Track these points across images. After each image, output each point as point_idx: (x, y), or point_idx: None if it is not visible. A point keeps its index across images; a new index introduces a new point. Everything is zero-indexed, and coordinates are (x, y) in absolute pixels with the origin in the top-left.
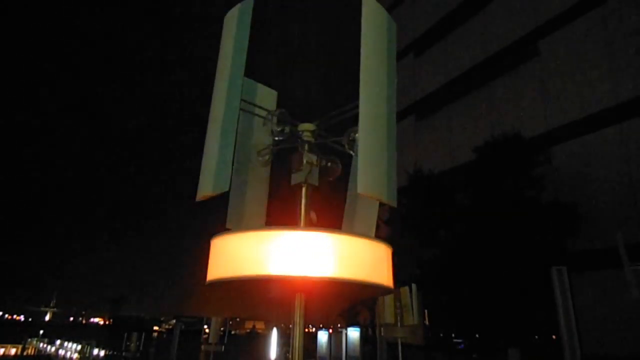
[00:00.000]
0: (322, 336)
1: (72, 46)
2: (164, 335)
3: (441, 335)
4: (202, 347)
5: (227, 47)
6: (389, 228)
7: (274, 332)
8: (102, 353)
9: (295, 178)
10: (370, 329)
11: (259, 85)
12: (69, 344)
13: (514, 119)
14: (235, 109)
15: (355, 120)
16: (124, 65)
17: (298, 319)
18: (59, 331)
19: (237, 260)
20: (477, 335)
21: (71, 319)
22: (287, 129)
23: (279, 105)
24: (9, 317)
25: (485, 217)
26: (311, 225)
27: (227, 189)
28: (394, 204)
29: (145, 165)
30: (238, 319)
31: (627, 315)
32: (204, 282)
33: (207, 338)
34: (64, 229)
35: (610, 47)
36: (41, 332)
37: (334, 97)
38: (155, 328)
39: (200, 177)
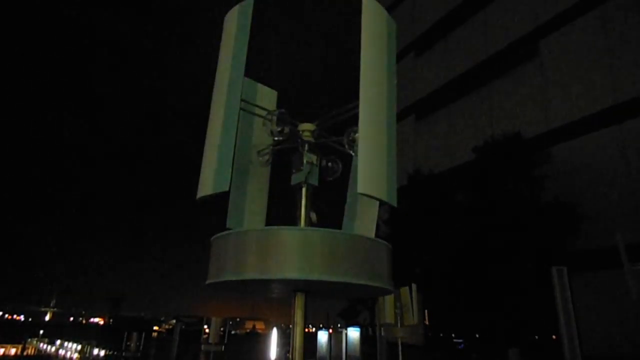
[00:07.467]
0: (322, 336)
1: (69, 44)
2: (164, 335)
3: (441, 335)
4: (202, 347)
5: (227, 47)
6: (389, 228)
7: (274, 332)
8: (102, 353)
9: (295, 178)
10: (370, 329)
11: (259, 85)
12: (69, 344)
13: (514, 119)
14: (235, 109)
15: (355, 120)
16: (124, 65)
17: (298, 319)
18: (59, 331)
19: (237, 259)
20: (477, 335)
21: (71, 319)
22: (287, 129)
23: (279, 105)
24: (9, 317)
25: (485, 217)
26: (311, 225)
27: (227, 189)
28: (394, 204)
29: (145, 165)
30: (238, 319)
31: (627, 315)
32: (204, 281)
33: (207, 338)
34: (64, 229)
35: (610, 47)
36: (41, 332)
37: (334, 97)
38: (155, 328)
39: (201, 176)
